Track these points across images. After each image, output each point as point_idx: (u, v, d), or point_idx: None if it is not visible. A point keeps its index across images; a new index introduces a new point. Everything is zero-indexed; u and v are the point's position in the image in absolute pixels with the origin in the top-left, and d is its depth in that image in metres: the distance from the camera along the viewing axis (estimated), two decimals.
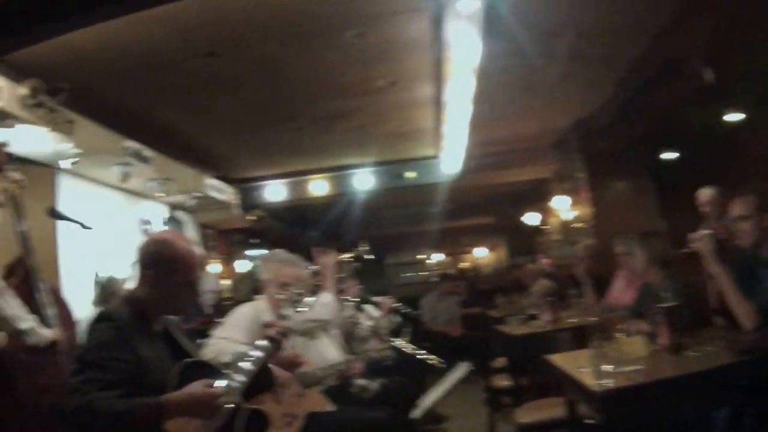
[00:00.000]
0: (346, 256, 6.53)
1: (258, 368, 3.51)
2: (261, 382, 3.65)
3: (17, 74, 6.42)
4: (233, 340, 4.67)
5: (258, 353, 3.57)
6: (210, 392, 3.11)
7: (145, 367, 3.16)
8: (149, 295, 3.41)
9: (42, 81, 6.49)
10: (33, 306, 4.79)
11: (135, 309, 3.36)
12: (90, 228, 5.85)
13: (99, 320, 3.28)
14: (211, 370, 3.35)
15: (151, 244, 3.54)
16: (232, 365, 3.45)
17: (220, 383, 3.22)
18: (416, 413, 5.52)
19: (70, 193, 8.14)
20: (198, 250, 3.59)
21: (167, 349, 3.44)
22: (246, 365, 3.44)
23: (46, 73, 6.56)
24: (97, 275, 7.93)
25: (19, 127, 6.38)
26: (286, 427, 4.09)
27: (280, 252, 5.49)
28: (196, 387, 3.09)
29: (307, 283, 5.29)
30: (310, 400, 4.49)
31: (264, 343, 3.64)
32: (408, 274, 22.22)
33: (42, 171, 7.64)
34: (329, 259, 6.03)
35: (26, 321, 4.56)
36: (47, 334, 4.68)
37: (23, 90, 6.37)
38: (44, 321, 4.79)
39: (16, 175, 5.14)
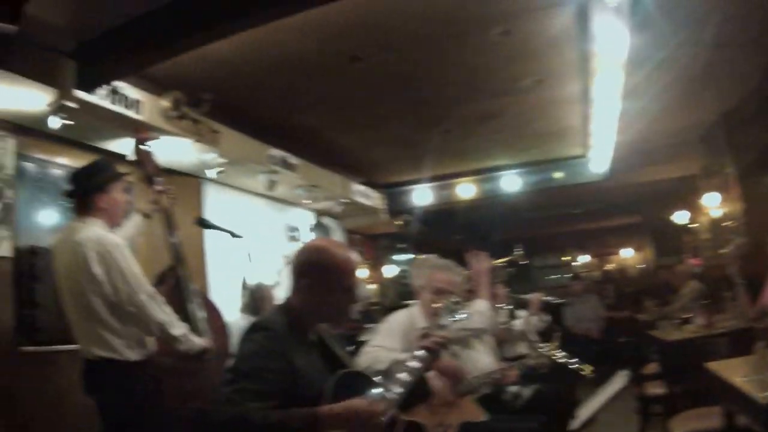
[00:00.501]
0: (501, 261, 6.46)
1: (415, 379, 3.44)
2: (417, 392, 3.59)
3: (158, 87, 6.59)
4: (388, 348, 4.66)
5: (415, 363, 3.50)
6: (371, 408, 3.03)
7: (299, 377, 3.12)
8: (305, 304, 3.35)
9: (183, 93, 6.61)
10: (183, 314, 4.90)
11: (290, 318, 3.32)
12: (240, 236, 5.89)
13: (254, 330, 3.26)
14: (367, 381, 3.30)
15: (307, 252, 3.49)
16: (388, 375, 3.41)
17: (377, 394, 3.16)
18: (575, 424, 5.41)
19: (216, 202, 8.29)
20: (354, 256, 3.53)
21: (321, 358, 3.39)
22: (403, 376, 3.38)
23: (188, 85, 6.72)
24: (245, 282, 8.02)
25: (164, 139, 6.52)
26: None
27: (432, 257, 5.44)
28: (356, 401, 3.03)
29: (461, 289, 5.23)
30: (463, 410, 4.45)
31: (422, 353, 3.57)
32: (553, 277, 21.97)
33: (188, 181, 7.84)
34: (483, 264, 5.93)
35: (179, 328, 4.64)
36: (199, 342, 4.74)
37: (165, 102, 6.54)
38: (195, 329, 4.87)
39: (168, 192, 5.26)
